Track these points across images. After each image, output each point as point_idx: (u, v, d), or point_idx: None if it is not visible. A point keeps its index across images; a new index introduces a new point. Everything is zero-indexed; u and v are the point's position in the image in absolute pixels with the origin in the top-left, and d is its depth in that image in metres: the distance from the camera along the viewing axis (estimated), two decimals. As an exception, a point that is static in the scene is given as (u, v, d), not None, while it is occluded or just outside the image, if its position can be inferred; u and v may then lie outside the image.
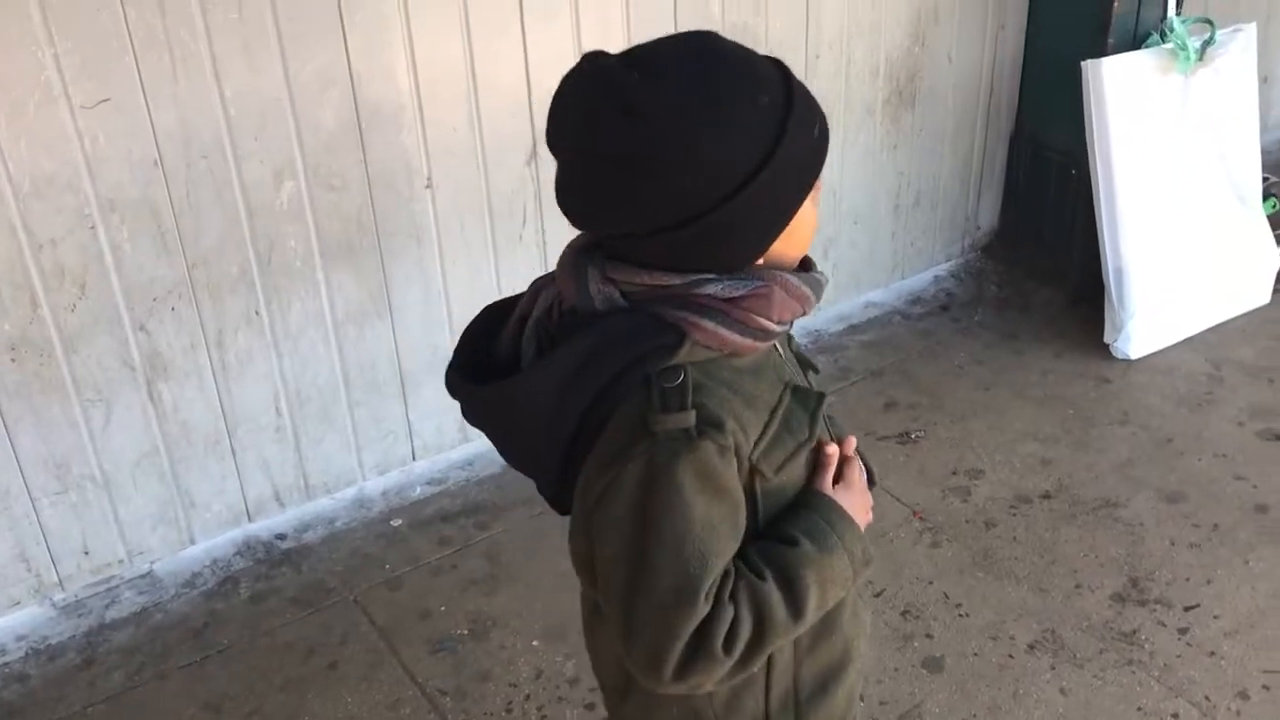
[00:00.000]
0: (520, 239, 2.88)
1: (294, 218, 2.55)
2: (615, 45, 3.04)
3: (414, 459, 2.97)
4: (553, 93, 1.09)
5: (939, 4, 3.36)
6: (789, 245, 1.14)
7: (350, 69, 2.49)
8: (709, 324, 1.10)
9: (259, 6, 2.33)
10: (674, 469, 1.07)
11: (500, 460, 2.95)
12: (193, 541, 2.72)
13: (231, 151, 2.42)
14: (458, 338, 1.25)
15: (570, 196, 1.11)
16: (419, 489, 2.94)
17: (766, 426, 1.15)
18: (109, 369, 2.45)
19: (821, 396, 1.23)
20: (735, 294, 1.11)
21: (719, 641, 1.10)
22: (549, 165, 2.77)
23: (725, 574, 1.12)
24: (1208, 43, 3.25)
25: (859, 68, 3.27)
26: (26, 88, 2.16)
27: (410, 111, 2.61)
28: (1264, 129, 4.19)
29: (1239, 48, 3.33)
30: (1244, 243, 3.53)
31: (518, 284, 2.88)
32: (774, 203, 1.09)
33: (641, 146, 1.03)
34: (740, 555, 1.14)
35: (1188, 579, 2.60)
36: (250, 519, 2.79)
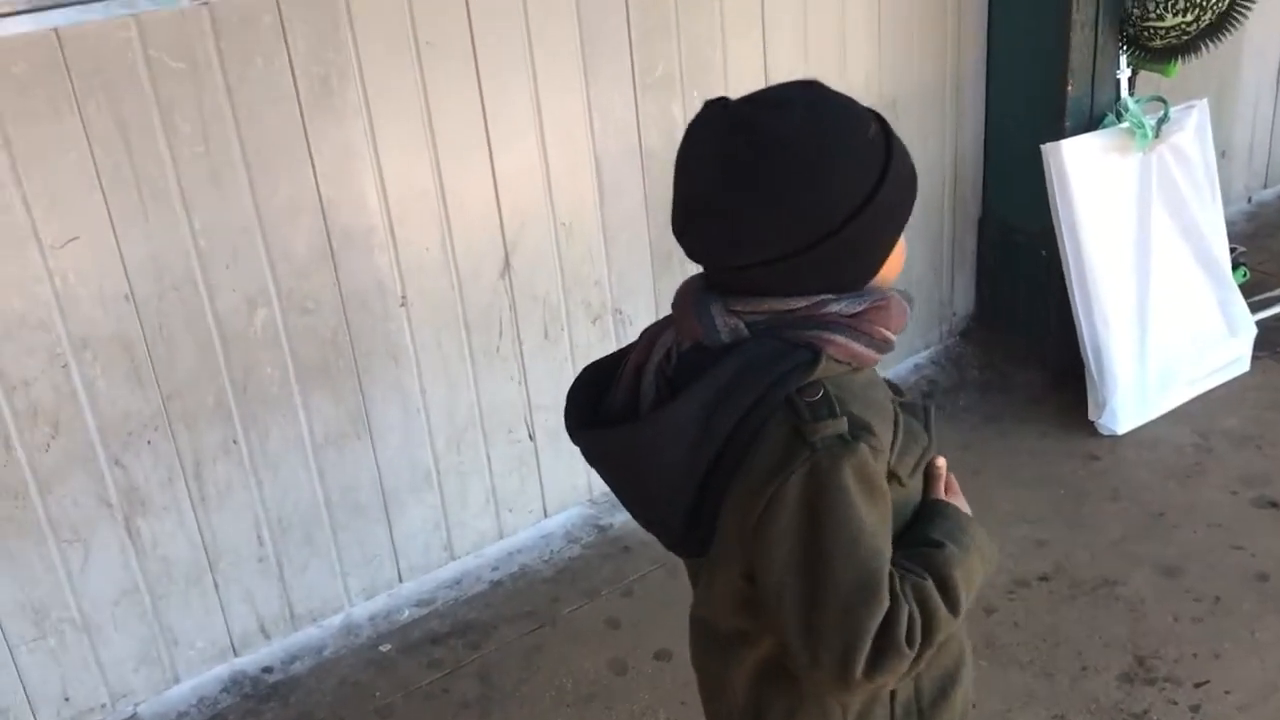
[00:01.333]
0: (497, 350, 2.88)
1: (269, 344, 2.55)
2: (582, 161, 3.08)
3: (400, 580, 2.92)
4: (682, 138, 1.19)
5: (897, 97, 3.42)
6: (890, 267, 1.25)
7: (320, 195, 2.52)
8: (840, 338, 1.18)
9: (225, 139, 2.37)
10: (838, 472, 1.13)
11: (489, 577, 2.95)
12: (177, 680, 2.65)
13: (203, 282, 2.43)
14: (567, 394, 1.31)
15: (701, 233, 1.20)
16: (407, 611, 2.89)
17: (895, 433, 1.23)
18: (85, 507, 2.42)
19: (929, 405, 1.34)
20: (858, 309, 1.20)
21: (903, 634, 1.15)
22: (523, 276, 2.77)
23: (890, 573, 1.17)
24: (1163, 120, 3.32)
25: (823, 164, 3.32)
26: (-5, 231, 2.18)
27: (381, 233, 2.63)
28: (1226, 202, 4.26)
29: (1194, 124, 3.39)
30: (1219, 313, 3.55)
31: (497, 395, 2.91)
32: (887, 222, 1.20)
33: (776, 175, 1.13)
34: (890, 562, 1.19)
35: (1195, 654, 2.54)
36: (236, 653, 2.72)
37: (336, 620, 2.84)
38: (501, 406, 2.94)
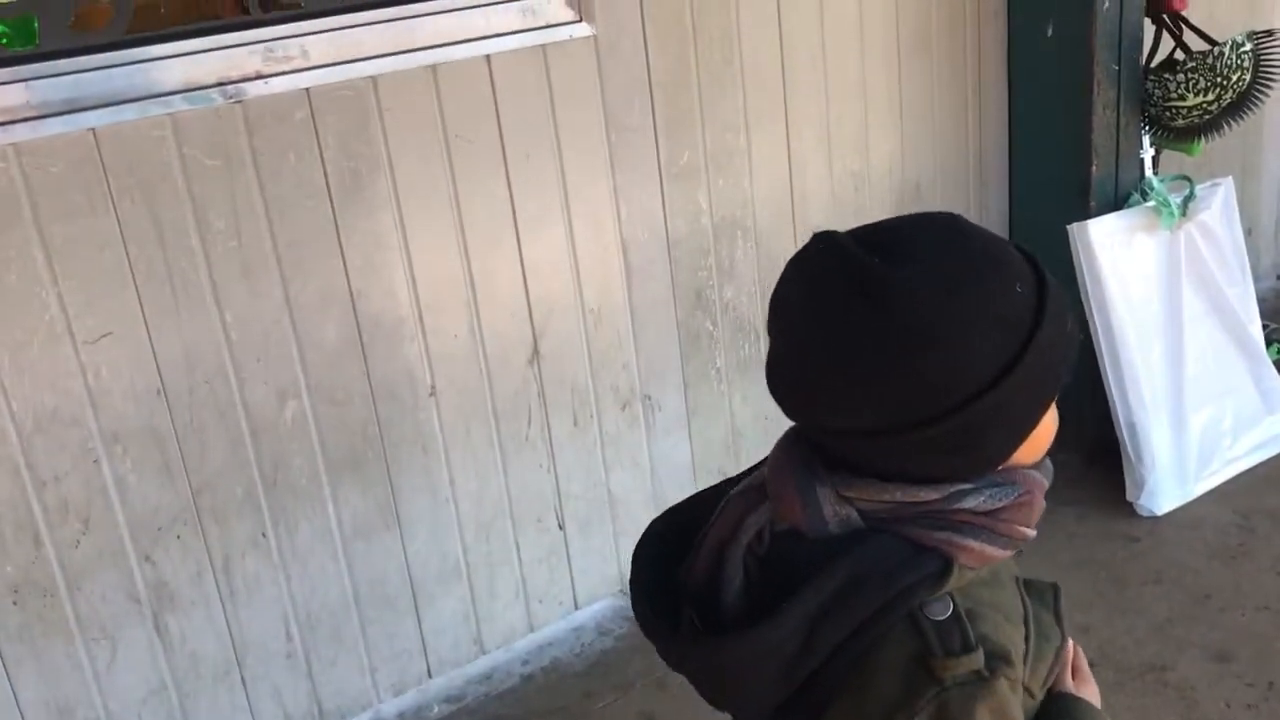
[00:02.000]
0: (526, 439, 2.86)
1: (298, 435, 2.54)
2: (610, 248, 3.11)
3: (430, 676, 2.87)
4: (784, 274, 1.03)
5: (920, 181, 3.45)
6: (1033, 447, 1.05)
7: (350, 286, 2.53)
8: (975, 544, 1.00)
9: (257, 233, 2.39)
10: (974, 717, 0.95)
11: (520, 671, 2.89)
12: (203, 781, 2.60)
13: (234, 375, 2.43)
14: (632, 568, 1.14)
15: (796, 386, 1.02)
16: (436, 708, 2.83)
17: (1027, 640, 1.05)
18: (114, 604, 2.40)
19: (1057, 589, 1.15)
20: (997, 505, 1.01)
21: None
22: (551, 363, 2.76)
23: None
24: (1189, 198, 3.31)
25: (849, 248, 3.33)
26: (30, 327, 2.19)
27: (411, 323, 2.64)
28: (1254, 278, 4.24)
29: (1220, 201, 3.39)
30: (1255, 390, 3.51)
31: (526, 483, 2.89)
32: (1025, 400, 0.99)
33: (886, 337, 0.94)
34: None
35: (1251, 744, 2.46)
36: (263, 752, 2.67)
37: (365, 718, 2.78)
38: (531, 495, 2.92)
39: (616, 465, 3.05)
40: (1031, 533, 1.04)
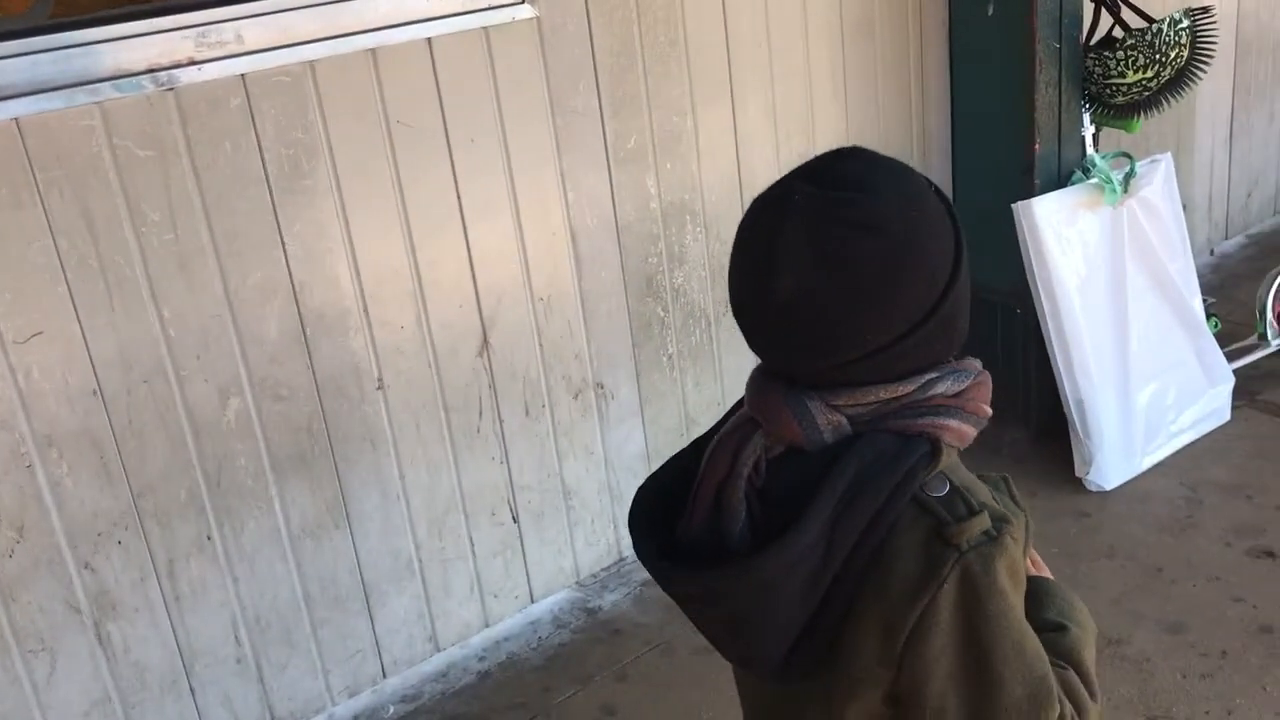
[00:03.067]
0: (478, 431, 2.80)
1: (242, 434, 2.47)
2: (558, 235, 3.04)
3: (384, 676, 2.80)
4: (749, 229, 1.09)
5: (866, 164, 3.43)
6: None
7: (292, 278, 2.46)
8: (954, 423, 1.09)
9: (194, 225, 2.31)
10: (992, 574, 1.04)
11: (476, 668, 2.83)
12: (151, 794, 2.51)
13: (174, 373, 2.35)
14: (628, 524, 1.20)
15: (799, 334, 1.07)
16: (392, 708, 2.77)
17: (1026, 521, 1.15)
18: (52, 614, 2.30)
19: (1007, 477, 1.25)
20: (961, 387, 1.11)
21: None
22: (501, 354, 2.69)
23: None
24: (1130, 175, 3.34)
25: (797, 231, 3.31)
26: (-45, 328, 2.09)
27: (356, 315, 2.57)
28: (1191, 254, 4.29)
29: (1161, 177, 3.42)
30: (1197, 364, 3.55)
31: (478, 477, 2.83)
32: (968, 285, 1.12)
33: (890, 256, 1.03)
34: None
35: (1207, 712, 2.48)
36: (213, 761, 2.59)
37: (319, 721, 2.72)
38: (484, 489, 2.86)
39: (570, 455, 3.01)
40: (989, 410, 1.14)
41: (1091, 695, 1.14)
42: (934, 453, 1.07)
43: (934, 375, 1.10)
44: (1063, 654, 1.15)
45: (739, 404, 1.20)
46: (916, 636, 1.04)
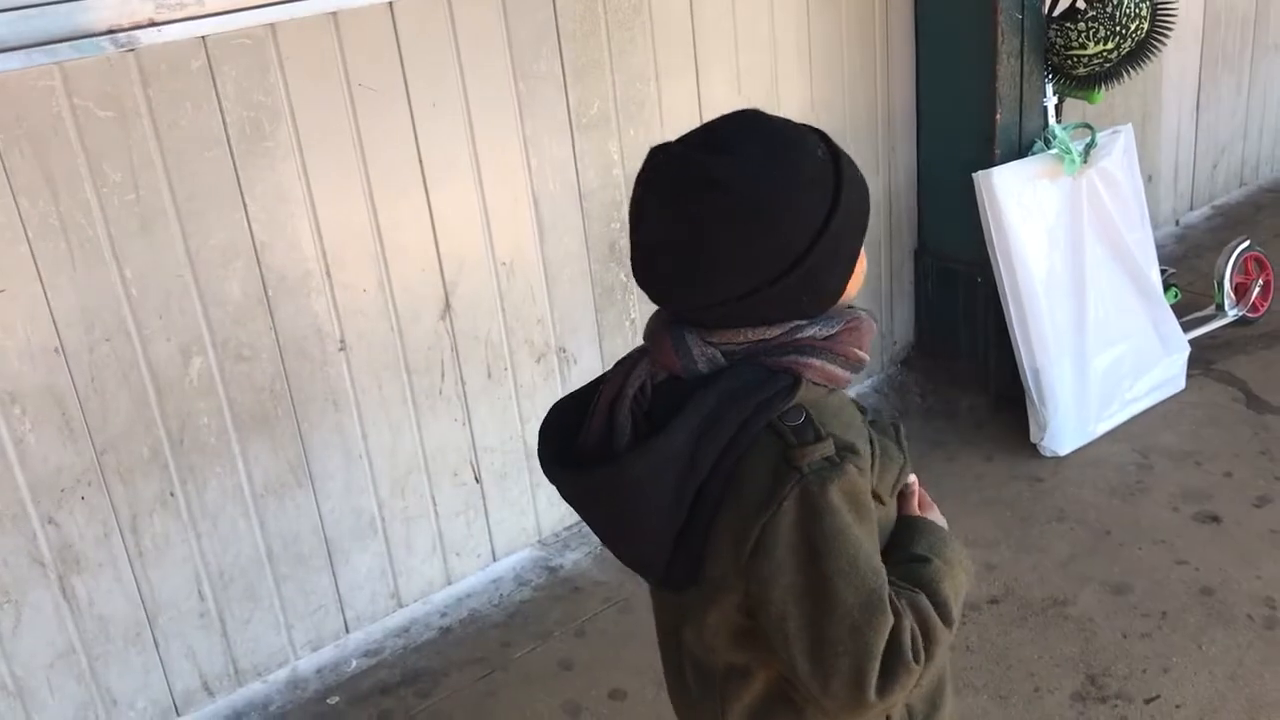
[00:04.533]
0: (440, 393, 2.85)
1: (205, 393, 2.50)
2: (520, 200, 3.07)
3: (347, 631, 2.86)
4: (633, 188, 1.20)
5: (830, 131, 3.44)
6: (854, 284, 1.26)
7: (254, 239, 2.49)
8: (817, 362, 1.20)
9: (155, 186, 2.33)
10: (829, 495, 1.14)
11: (438, 624, 2.90)
12: (116, 744, 2.57)
13: (136, 332, 2.38)
14: (537, 435, 1.30)
15: (671, 279, 1.20)
16: (354, 662, 2.83)
17: (872, 453, 1.23)
18: (16, 568, 2.35)
19: (898, 422, 1.34)
20: (832, 331, 1.22)
21: (909, 649, 1.16)
22: (463, 317, 2.72)
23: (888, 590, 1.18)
24: (1090, 145, 3.38)
25: (760, 198, 3.34)
26: (-84, 285, 2.12)
27: (318, 277, 2.60)
28: (1154, 225, 4.36)
29: (1120, 148, 3.47)
30: (1153, 333, 3.61)
31: (441, 438, 2.88)
32: (847, 243, 1.20)
33: (738, 213, 1.13)
34: None
35: (1144, 670, 2.56)
36: (179, 713, 2.64)
37: (282, 674, 2.77)
38: (446, 449, 2.91)
39: (533, 418, 3.05)
40: (865, 356, 1.25)
41: (947, 623, 1.22)
42: (794, 386, 1.18)
43: (803, 322, 1.21)
44: (919, 581, 1.24)
45: None
46: (760, 548, 1.15)
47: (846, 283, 1.24)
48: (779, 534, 1.14)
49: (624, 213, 3.07)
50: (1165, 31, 3.23)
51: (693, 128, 1.22)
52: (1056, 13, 3.36)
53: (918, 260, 3.85)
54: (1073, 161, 3.32)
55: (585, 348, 3.10)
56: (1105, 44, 3.21)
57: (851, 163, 1.22)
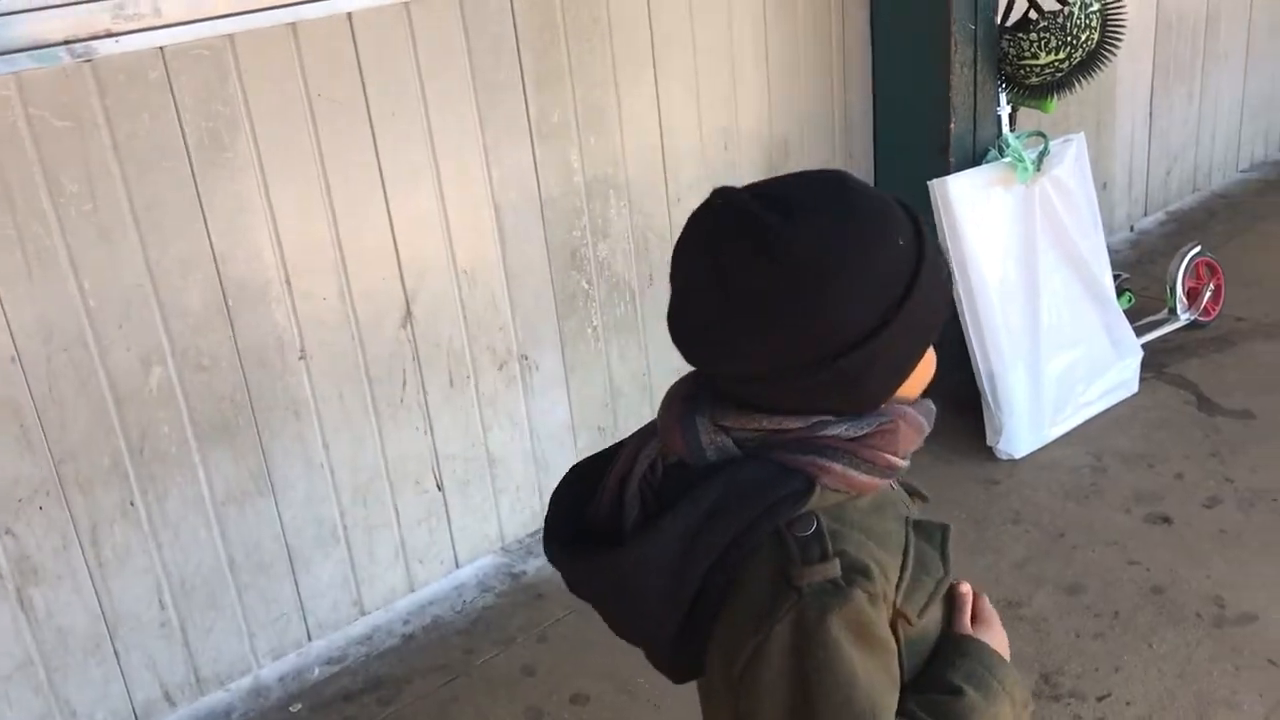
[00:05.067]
0: (401, 401, 2.86)
1: (165, 402, 2.50)
2: (481, 209, 3.09)
3: (310, 639, 2.87)
4: (684, 226, 1.08)
5: (788, 141, 3.51)
6: (911, 386, 1.11)
7: (213, 250, 2.49)
8: (837, 466, 1.05)
9: (113, 196, 2.34)
10: (827, 625, 1.01)
11: (401, 631, 2.91)
12: (76, 755, 2.56)
13: (95, 342, 2.38)
14: (549, 506, 1.21)
15: (693, 333, 1.07)
16: (317, 670, 2.83)
17: (903, 568, 1.09)
18: (-26, 579, 2.34)
19: (946, 529, 1.18)
20: (860, 433, 1.07)
21: None
22: (425, 325, 2.75)
23: None
24: (1043, 154, 3.44)
25: (720, 205, 3.37)
26: None
27: (278, 286, 2.61)
28: (1109, 231, 4.44)
29: (1072, 156, 3.53)
30: (1106, 337, 3.68)
31: (403, 446, 2.89)
32: (906, 346, 1.06)
33: (777, 287, 1.00)
34: (901, 710, 1.07)
35: (1096, 669, 2.61)
36: (139, 723, 2.64)
37: (245, 683, 2.77)
38: (408, 458, 2.92)
39: (495, 425, 3.07)
40: (900, 462, 1.09)
41: None
42: (806, 491, 1.05)
43: (830, 418, 1.06)
44: (944, 717, 1.09)
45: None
46: (749, 668, 1.04)
47: (894, 389, 1.09)
48: (769, 658, 1.02)
49: (585, 220, 3.10)
50: (1115, 41, 3.29)
51: (771, 177, 1.11)
52: (1009, 23, 3.41)
53: (876, 266, 3.89)
54: (1026, 170, 3.38)
55: (547, 355, 3.12)
56: (1057, 54, 3.26)
57: (938, 257, 1.07)
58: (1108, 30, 3.28)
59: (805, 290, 1.00)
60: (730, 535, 1.04)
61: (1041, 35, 3.27)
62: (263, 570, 2.74)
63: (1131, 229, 4.95)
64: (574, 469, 1.23)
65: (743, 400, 1.07)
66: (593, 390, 3.25)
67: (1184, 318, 4.06)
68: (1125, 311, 3.77)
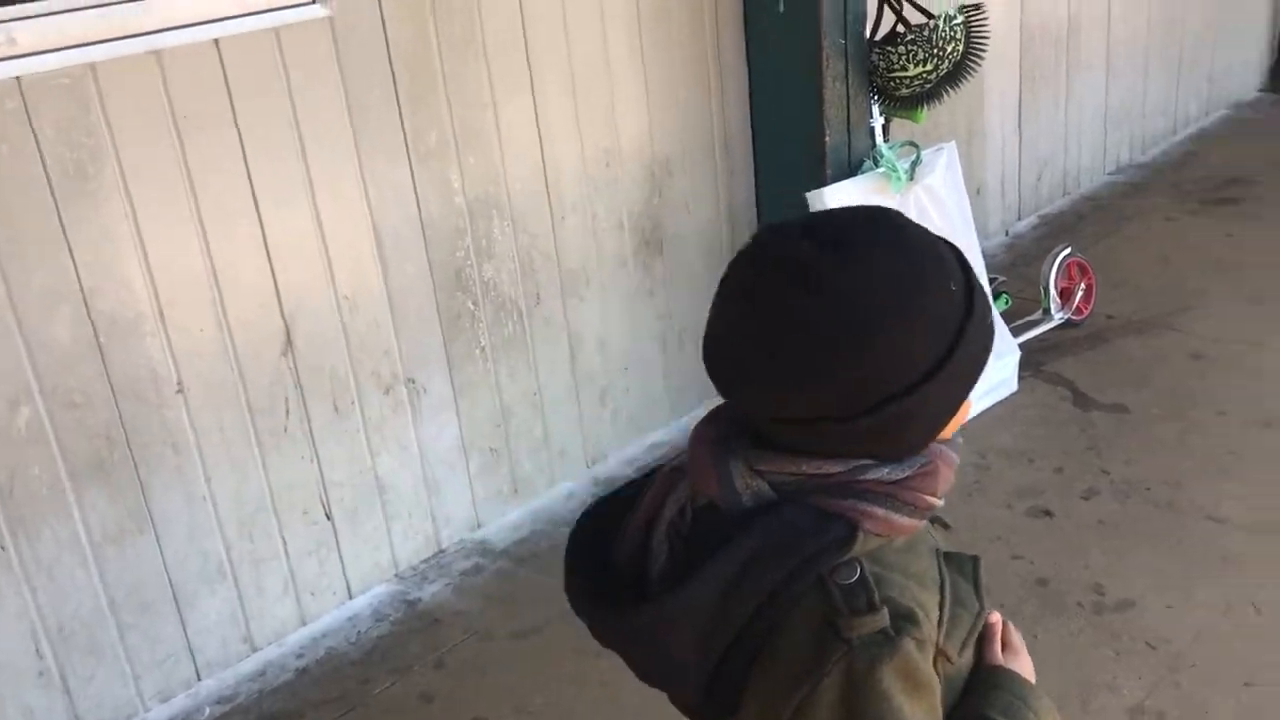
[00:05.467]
0: (285, 431, 2.81)
1: (34, 442, 2.42)
2: (360, 231, 3.05)
3: (199, 679, 2.79)
4: (731, 262, 1.04)
5: (670, 159, 3.55)
6: (949, 431, 1.09)
7: (80, 282, 2.43)
8: (879, 511, 1.03)
9: (-30, 231, 2.26)
10: (878, 675, 0.98)
11: (294, 665, 2.85)
12: (-49, 814, 2.46)
13: (-45, 382, 2.30)
14: (566, 550, 1.16)
15: (736, 372, 1.04)
16: (208, 710, 2.76)
17: (942, 606, 1.07)
18: None
19: (977, 561, 1.17)
20: (901, 475, 1.04)
21: None
22: (306, 353, 2.71)
23: None
24: (915, 163, 3.54)
25: (604, 224, 3.40)
26: None
27: (151, 319, 2.54)
28: (984, 236, 4.58)
29: (944, 164, 3.64)
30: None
31: (288, 476, 2.84)
32: (953, 392, 1.04)
33: (829, 329, 0.97)
34: None
35: (984, 662, 2.67)
36: (18, 777, 2.54)
37: (130, 728, 2.69)
38: (294, 487, 2.87)
39: (383, 450, 3.04)
40: (938, 501, 1.08)
41: None
42: (849, 538, 1.02)
43: (873, 462, 1.04)
44: None
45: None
46: (796, 718, 1.01)
47: (937, 434, 1.07)
48: (818, 710, 0.99)
49: (469, 240, 3.09)
50: (979, 52, 3.40)
51: (821, 210, 1.09)
52: (878, 37, 3.50)
53: (762, 278, 3.95)
54: (899, 179, 3.47)
55: (435, 377, 3.10)
56: (924, 66, 3.36)
57: (986, 305, 1.05)
58: (971, 42, 3.39)
59: (855, 333, 0.98)
60: (771, 585, 1.01)
61: (909, 48, 3.36)
62: (146, 610, 2.66)
63: (1006, 233, 5.10)
64: (589, 510, 1.19)
65: (780, 442, 1.04)
66: (483, 411, 3.23)
67: (1058, 317, 4.20)
68: (1002, 313, 3.89)
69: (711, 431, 1.09)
